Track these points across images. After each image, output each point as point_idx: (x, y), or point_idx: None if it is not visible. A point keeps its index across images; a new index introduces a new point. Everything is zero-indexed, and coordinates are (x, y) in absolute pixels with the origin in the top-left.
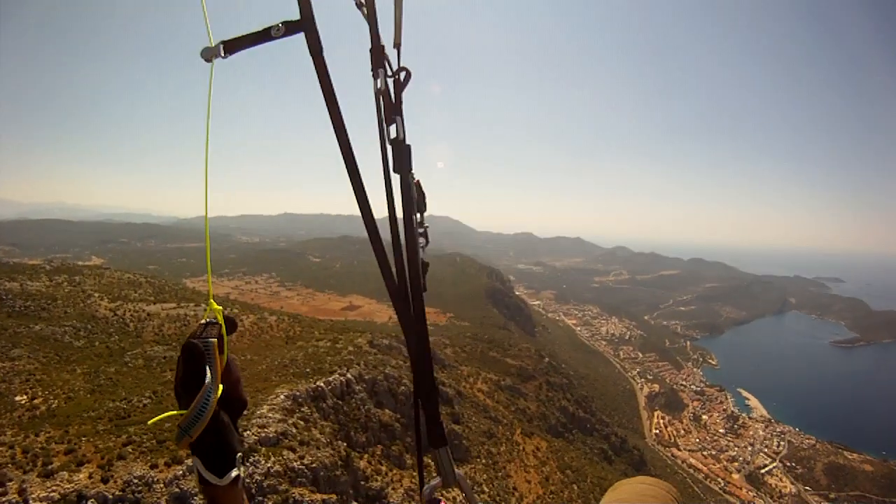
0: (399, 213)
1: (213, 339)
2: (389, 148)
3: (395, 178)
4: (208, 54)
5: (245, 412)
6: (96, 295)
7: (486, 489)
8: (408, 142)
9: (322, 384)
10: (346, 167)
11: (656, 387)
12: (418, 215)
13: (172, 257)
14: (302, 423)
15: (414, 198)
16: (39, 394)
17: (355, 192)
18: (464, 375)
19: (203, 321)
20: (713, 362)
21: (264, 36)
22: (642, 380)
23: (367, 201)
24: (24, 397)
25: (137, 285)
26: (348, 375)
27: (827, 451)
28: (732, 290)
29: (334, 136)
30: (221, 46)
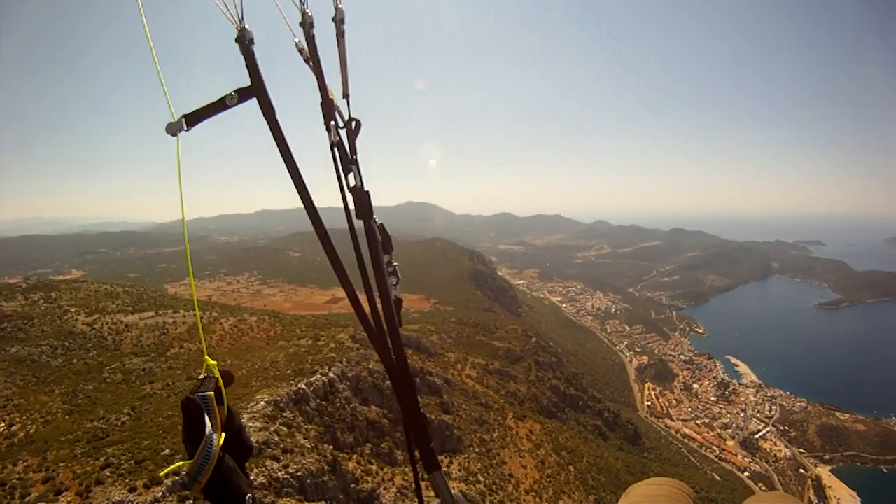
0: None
1: (209, 393)
2: (350, 196)
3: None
4: (173, 129)
5: (252, 456)
6: (73, 310)
7: (481, 478)
8: (365, 187)
9: (304, 386)
10: (312, 221)
11: (645, 359)
12: (386, 255)
13: (152, 263)
14: (285, 429)
15: (379, 240)
16: (17, 420)
17: (323, 244)
18: (451, 362)
19: (201, 376)
20: (700, 331)
21: (220, 106)
22: (631, 353)
23: (335, 251)
24: (2, 424)
25: (115, 296)
26: (331, 374)
27: (819, 413)
28: (715, 258)
29: (296, 194)
30: (184, 120)
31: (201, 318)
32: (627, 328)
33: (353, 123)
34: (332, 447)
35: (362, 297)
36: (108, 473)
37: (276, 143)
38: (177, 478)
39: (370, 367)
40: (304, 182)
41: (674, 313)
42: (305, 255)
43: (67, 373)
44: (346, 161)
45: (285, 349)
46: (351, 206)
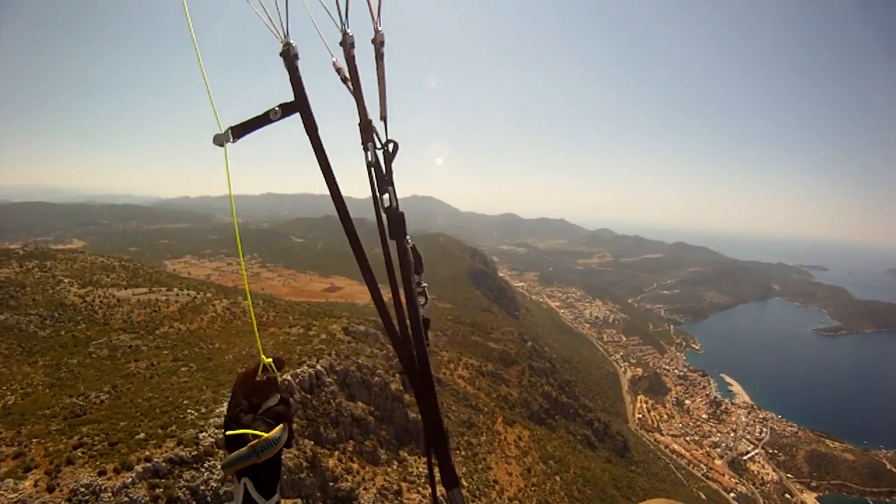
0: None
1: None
2: (385, 216)
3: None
4: (220, 140)
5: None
6: (66, 280)
7: (465, 483)
8: (400, 208)
9: (289, 377)
10: (349, 239)
11: (639, 371)
12: (416, 276)
13: (154, 239)
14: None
15: (410, 261)
16: None
17: (358, 261)
18: (444, 361)
19: (262, 377)
20: (696, 347)
21: (264, 119)
22: (625, 363)
23: (370, 270)
24: None
25: (111, 269)
26: (318, 367)
27: (809, 439)
28: (716, 275)
29: (336, 212)
30: (230, 132)
31: (195, 297)
32: (624, 338)
33: (391, 146)
34: (313, 442)
35: (391, 313)
36: (80, 454)
37: (318, 159)
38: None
39: (360, 361)
40: (342, 198)
41: (671, 327)
42: (307, 241)
43: (54, 344)
44: (382, 182)
45: (275, 337)
46: (386, 226)
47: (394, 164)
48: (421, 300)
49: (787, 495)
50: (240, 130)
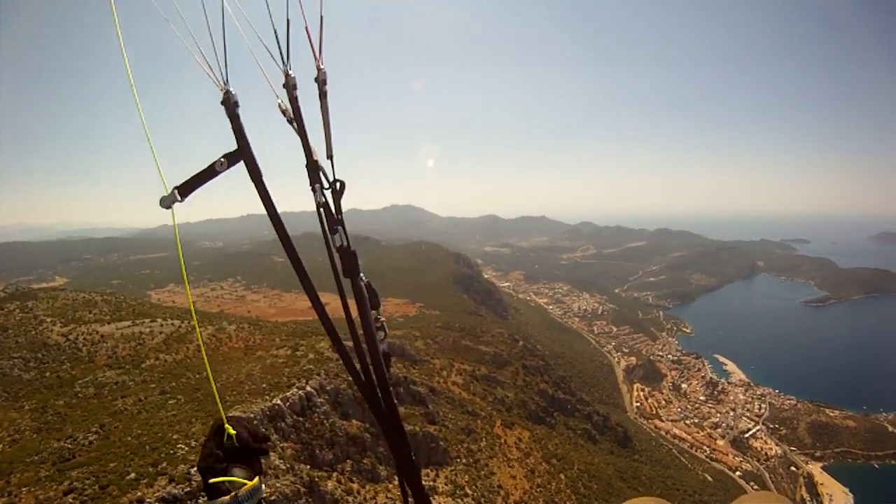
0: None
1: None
2: (336, 255)
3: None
4: (166, 202)
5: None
6: (49, 320)
7: (468, 491)
8: (351, 247)
9: (279, 401)
10: (302, 284)
11: (633, 359)
12: (374, 312)
13: (136, 270)
14: None
15: (366, 298)
16: None
17: (313, 303)
18: (437, 369)
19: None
20: (687, 330)
21: (210, 173)
22: (619, 353)
23: (326, 313)
24: None
25: (93, 305)
26: (308, 388)
27: (808, 410)
28: (700, 258)
29: (287, 257)
30: (176, 192)
31: (179, 327)
32: (615, 329)
33: (338, 184)
34: (309, 466)
35: (350, 351)
36: (71, 500)
37: (264, 204)
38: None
39: (349, 379)
40: (291, 241)
41: (661, 313)
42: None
43: (39, 387)
44: (332, 221)
45: (262, 360)
46: (339, 265)
47: (345, 200)
48: (380, 335)
49: (793, 468)
50: (186, 188)
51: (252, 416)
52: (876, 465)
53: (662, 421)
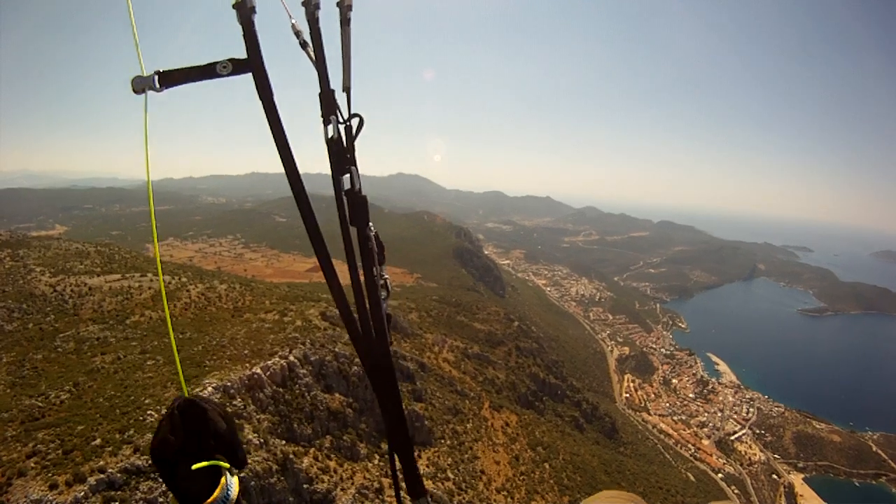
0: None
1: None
2: (346, 200)
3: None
4: (140, 85)
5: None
6: (38, 269)
7: (450, 475)
8: (362, 192)
9: (259, 370)
10: (305, 224)
11: (626, 349)
12: (378, 268)
13: (136, 222)
14: None
15: (373, 250)
16: None
17: (315, 248)
18: (428, 344)
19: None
20: (683, 325)
21: (208, 72)
22: (612, 342)
23: (329, 257)
24: None
25: (85, 256)
26: (291, 358)
27: (795, 420)
28: (702, 254)
29: (290, 189)
30: (156, 77)
31: (169, 283)
32: (610, 317)
33: (356, 120)
34: (285, 441)
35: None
36: (33, 464)
37: (270, 124)
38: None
39: (336, 349)
40: (299, 174)
41: (658, 306)
42: (291, 220)
43: (20, 339)
44: (343, 161)
45: (248, 324)
46: (346, 211)
47: (359, 142)
48: (382, 293)
49: (775, 476)
50: (171, 78)
51: (229, 384)
52: (857, 483)
53: (650, 415)
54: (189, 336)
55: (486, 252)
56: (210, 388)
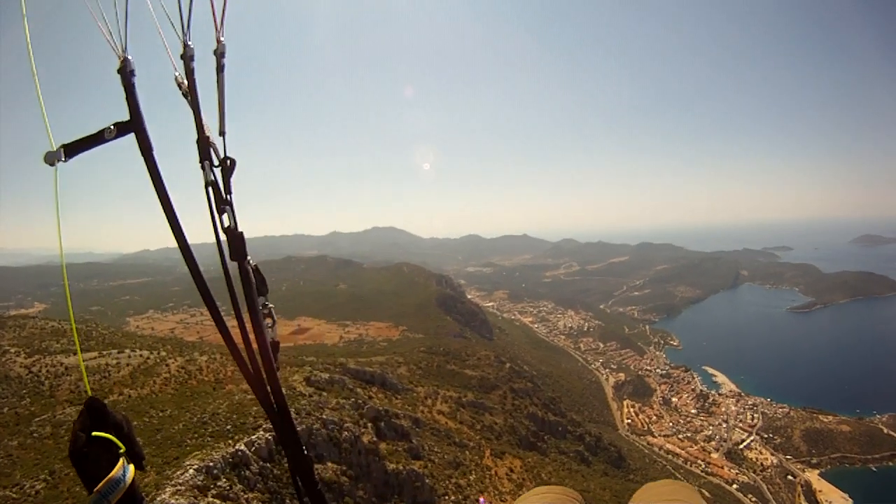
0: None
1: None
2: (223, 237)
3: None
4: (50, 159)
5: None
6: (13, 350)
7: None
8: (239, 228)
9: (243, 447)
10: (187, 263)
11: (622, 375)
12: (262, 298)
13: (115, 296)
14: (219, 502)
15: (253, 282)
16: None
17: (197, 286)
18: (420, 398)
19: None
20: (675, 343)
21: (98, 138)
22: (607, 370)
23: (211, 295)
24: None
25: (61, 334)
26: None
27: (802, 418)
28: (684, 270)
29: (171, 236)
30: (62, 150)
31: (147, 359)
32: (601, 345)
33: (229, 162)
34: None
35: (238, 340)
36: None
37: (152, 180)
38: None
39: (324, 416)
40: (179, 223)
41: (647, 327)
42: (270, 283)
43: None
44: (221, 201)
45: (230, 397)
46: (225, 248)
47: (234, 186)
48: (268, 322)
49: (790, 477)
50: (73, 149)
51: (212, 464)
52: (874, 468)
53: (655, 437)
54: (169, 413)
55: (469, 296)
56: (191, 471)
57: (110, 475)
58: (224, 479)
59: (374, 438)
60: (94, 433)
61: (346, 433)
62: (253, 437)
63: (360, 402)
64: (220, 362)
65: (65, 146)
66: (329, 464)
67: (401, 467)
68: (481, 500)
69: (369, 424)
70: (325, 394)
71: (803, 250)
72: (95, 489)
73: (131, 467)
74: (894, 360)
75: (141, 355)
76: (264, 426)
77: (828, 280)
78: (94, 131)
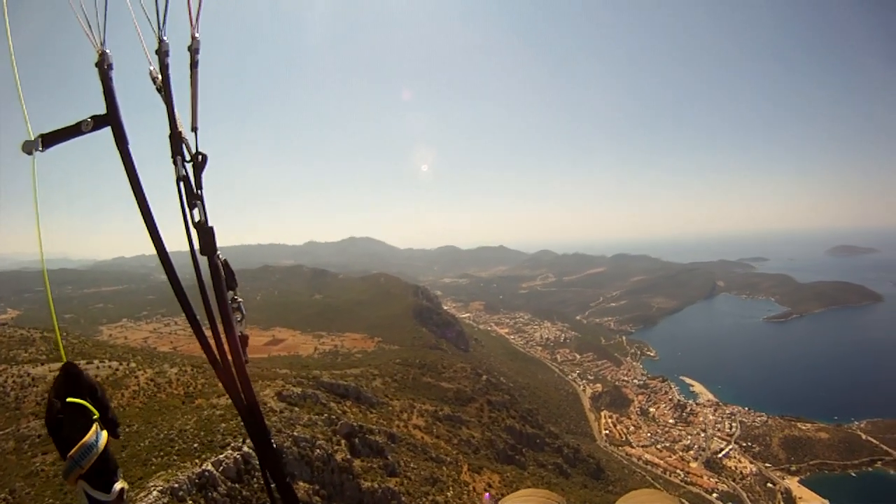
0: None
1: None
2: (194, 231)
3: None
4: (28, 147)
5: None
6: None
7: None
8: (209, 223)
9: (210, 467)
10: (161, 260)
11: (599, 386)
12: (231, 292)
13: (89, 303)
14: None
15: (223, 277)
16: None
17: (169, 280)
18: (396, 412)
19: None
20: (651, 354)
21: (76, 131)
22: (584, 381)
23: (183, 291)
24: None
25: (30, 343)
26: (245, 448)
27: (780, 426)
28: (660, 281)
29: (144, 228)
30: (40, 140)
31: (116, 370)
32: (578, 356)
33: (200, 157)
34: None
35: (209, 334)
36: None
37: (128, 176)
38: None
39: (295, 433)
40: (153, 218)
41: (623, 338)
42: (246, 293)
43: None
44: (192, 196)
45: (199, 411)
46: (196, 242)
47: (204, 178)
48: (237, 316)
49: (770, 484)
50: (50, 139)
51: (177, 485)
52: (853, 474)
53: (633, 447)
54: (136, 429)
55: (445, 308)
56: (156, 493)
57: (83, 440)
58: (190, 501)
59: (348, 456)
60: (68, 399)
61: (318, 451)
62: (221, 455)
63: (334, 417)
64: (191, 374)
65: (42, 136)
66: (301, 483)
67: (376, 485)
68: (486, 496)
69: (343, 441)
70: (297, 409)
71: (779, 261)
72: (69, 455)
73: (104, 433)
74: (871, 368)
75: (110, 366)
76: (232, 444)
77: (803, 290)
78: (71, 123)
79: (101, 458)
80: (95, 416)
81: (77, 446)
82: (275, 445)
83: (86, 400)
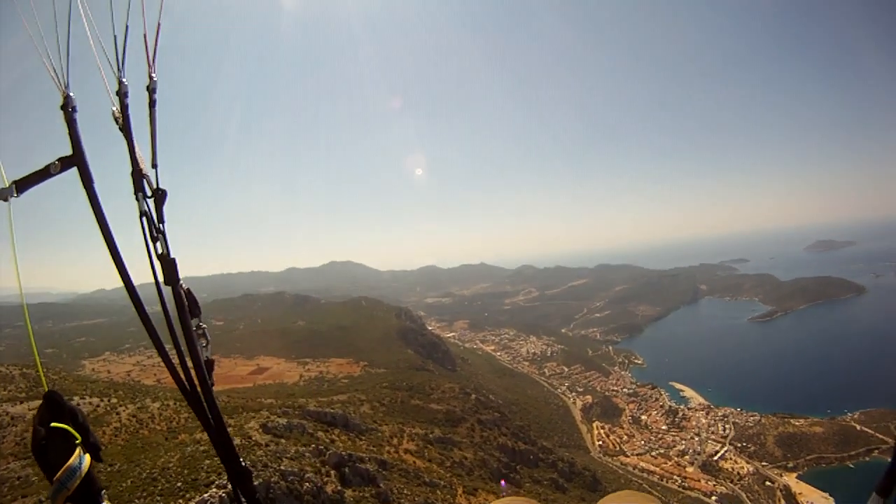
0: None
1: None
2: (158, 263)
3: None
4: (4, 194)
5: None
6: None
7: None
8: (171, 255)
9: None
10: (128, 294)
11: (589, 398)
12: (195, 319)
13: (71, 338)
14: None
15: (186, 305)
16: None
17: (137, 311)
18: (386, 437)
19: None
20: (639, 362)
21: (45, 173)
22: (573, 394)
23: (150, 320)
24: None
25: (9, 380)
26: (229, 487)
27: (774, 424)
28: (643, 289)
29: (111, 261)
30: (14, 187)
31: (97, 406)
32: (566, 369)
33: (161, 193)
34: None
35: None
36: None
37: (94, 213)
38: None
39: (282, 467)
40: (119, 254)
41: (610, 348)
42: (228, 322)
43: None
44: (154, 230)
45: (182, 448)
46: (159, 273)
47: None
48: (202, 342)
49: (768, 483)
50: (23, 184)
51: None
52: (851, 465)
53: (628, 456)
54: (118, 468)
55: (429, 328)
56: None
57: (68, 463)
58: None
59: (339, 487)
60: (52, 424)
61: (307, 484)
62: (205, 495)
63: (322, 447)
64: (174, 409)
65: (16, 182)
66: None
67: None
68: (503, 483)
69: (332, 472)
70: (283, 441)
71: (760, 261)
72: (55, 478)
73: (87, 457)
74: (859, 359)
75: (90, 403)
76: (217, 482)
77: (786, 287)
78: (40, 167)
79: (86, 480)
80: (78, 441)
81: (63, 469)
82: (244, 464)
83: (68, 424)
